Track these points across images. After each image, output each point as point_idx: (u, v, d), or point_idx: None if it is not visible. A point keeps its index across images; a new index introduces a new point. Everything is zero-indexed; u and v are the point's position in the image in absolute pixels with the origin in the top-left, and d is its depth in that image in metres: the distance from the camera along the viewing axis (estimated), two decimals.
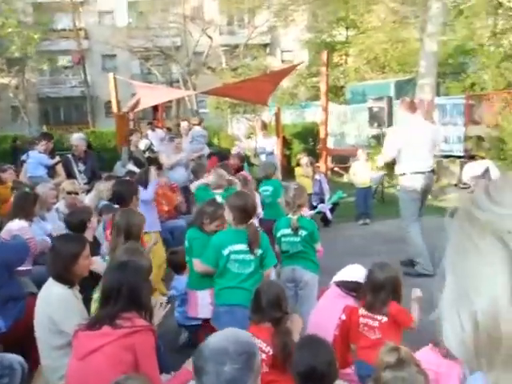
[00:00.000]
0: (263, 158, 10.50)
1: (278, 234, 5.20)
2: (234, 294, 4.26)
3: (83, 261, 3.82)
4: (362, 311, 3.90)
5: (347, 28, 27.07)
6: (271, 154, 10.59)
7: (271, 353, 3.42)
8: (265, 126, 11.39)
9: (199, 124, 12.08)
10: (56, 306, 3.64)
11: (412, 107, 7.38)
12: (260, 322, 3.55)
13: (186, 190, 8.72)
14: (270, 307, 3.54)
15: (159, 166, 7.89)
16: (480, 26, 19.59)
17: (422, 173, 7.30)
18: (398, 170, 7.57)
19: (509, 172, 10.12)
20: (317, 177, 9.60)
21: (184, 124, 11.67)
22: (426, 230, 9.34)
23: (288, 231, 5.11)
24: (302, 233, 5.07)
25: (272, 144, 10.71)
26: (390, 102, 13.25)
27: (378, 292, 3.82)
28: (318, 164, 9.96)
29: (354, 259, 4.80)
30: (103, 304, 3.24)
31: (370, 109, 13.27)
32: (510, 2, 18.08)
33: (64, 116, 40.51)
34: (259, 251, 4.33)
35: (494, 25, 19.23)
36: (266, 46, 31.52)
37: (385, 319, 3.79)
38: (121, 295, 3.17)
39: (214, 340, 2.09)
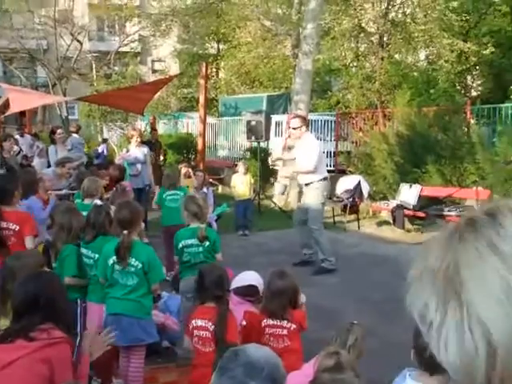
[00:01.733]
0: (138, 167, 10.32)
1: (180, 245, 5.20)
2: (121, 304, 4.28)
3: None
4: (266, 321, 3.94)
5: (219, 41, 27.51)
6: (144, 163, 10.45)
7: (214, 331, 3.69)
8: (141, 135, 11.24)
9: (77, 132, 11.72)
10: None
11: (306, 122, 8.12)
12: (205, 302, 3.84)
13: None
14: (213, 286, 3.81)
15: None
16: (345, 48, 20.74)
17: (326, 179, 8.18)
18: (306, 179, 8.07)
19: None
20: (204, 190, 9.66)
21: (60, 131, 11.21)
22: (297, 242, 9.79)
23: (191, 241, 5.13)
24: (206, 243, 5.12)
25: (145, 153, 10.55)
26: (268, 115, 13.66)
27: (278, 299, 3.90)
28: (200, 174, 9.98)
29: (235, 271, 4.88)
30: (16, 317, 3.12)
31: (248, 122, 13.58)
32: (372, 28, 19.31)
33: None
34: (137, 264, 4.28)
35: (357, 48, 20.40)
36: (137, 54, 31.05)
37: (294, 326, 3.92)
38: (36, 308, 3.05)
39: (255, 352, 2.04)
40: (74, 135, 11.28)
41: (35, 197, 6.22)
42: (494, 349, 0.75)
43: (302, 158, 8.08)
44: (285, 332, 3.91)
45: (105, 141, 18.95)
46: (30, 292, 3.12)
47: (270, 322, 3.93)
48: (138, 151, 10.32)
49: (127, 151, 10.64)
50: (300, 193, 8.32)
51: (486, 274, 0.78)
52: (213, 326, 3.70)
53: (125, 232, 4.32)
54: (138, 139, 10.51)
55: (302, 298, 4.14)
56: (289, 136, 8.50)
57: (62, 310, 3.18)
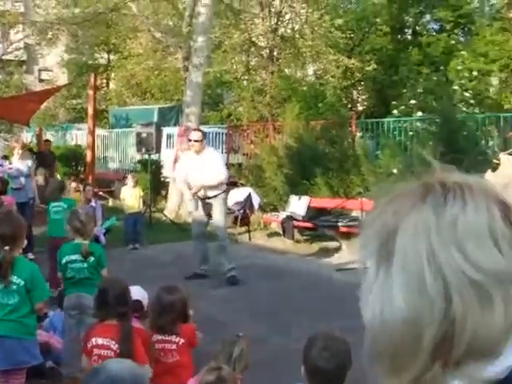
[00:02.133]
0: (22, 180, 9.92)
1: (63, 261, 5.03)
2: (2, 325, 4.09)
3: None
4: (156, 337, 3.89)
5: (109, 52, 27.01)
6: (28, 176, 10.06)
7: (119, 350, 3.47)
8: (23, 147, 10.85)
9: None
10: None
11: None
12: (106, 319, 3.61)
13: None
14: (115, 302, 3.58)
15: None
16: (236, 61, 21.02)
17: (226, 191, 8.53)
18: (213, 192, 8.14)
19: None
20: (93, 203, 9.42)
21: None
22: (189, 254, 9.78)
23: (75, 257, 4.97)
24: (90, 258, 4.98)
25: (28, 166, 10.17)
26: (159, 127, 13.54)
27: (167, 314, 3.85)
28: (89, 188, 9.74)
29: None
30: None
31: (138, 134, 13.39)
32: (261, 42, 19.71)
33: None
34: (19, 281, 4.09)
35: (248, 61, 20.73)
36: (22, 63, 29.84)
37: (182, 341, 3.90)
38: None
39: (116, 366, 2.02)
40: None
41: None
42: (396, 321, 0.79)
43: (210, 170, 8.05)
44: (174, 347, 3.87)
45: None
46: None
47: (159, 337, 3.87)
48: (20, 164, 9.92)
49: (10, 164, 10.20)
50: (206, 205, 8.18)
51: (414, 249, 0.79)
52: (117, 345, 3.53)
53: (6, 248, 4.11)
54: (20, 151, 10.13)
55: (190, 312, 4.12)
56: (189, 148, 8.36)
57: None
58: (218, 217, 8.30)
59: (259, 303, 7.32)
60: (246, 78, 21.25)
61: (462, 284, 0.77)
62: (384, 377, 0.84)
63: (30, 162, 10.31)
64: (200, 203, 8.15)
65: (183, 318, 3.92)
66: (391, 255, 0.81)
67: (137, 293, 4.21)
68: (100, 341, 3.61)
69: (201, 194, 8.06)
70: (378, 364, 0.84)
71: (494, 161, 6.02)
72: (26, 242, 6.77)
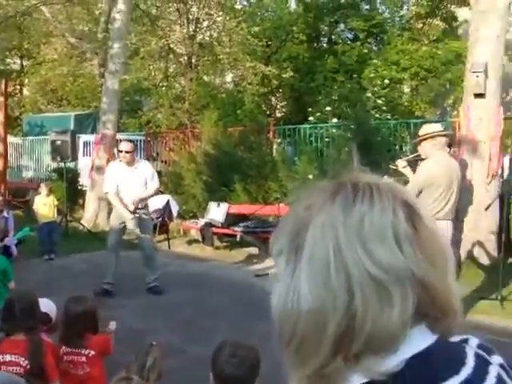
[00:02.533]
0: None
1: None
2: None
3: None
4: (65, 349, 3.78)
5: (22, 57, 26.16)
6: None
7: (29, 366, 3.30)
8: None
9: None
10: None
11: None
12: (13, 333, 3.43)
13: None
14: (23, 316, 3.41)
15: None
16: (154, 68, 20.86)
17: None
18: (142, 202, 8.06)
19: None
20: (5, 213, 9.08)
21: None
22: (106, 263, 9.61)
23: None
24: None
25: None
26: (74, 135, 13.22)
27: (74, 326, 3.75)
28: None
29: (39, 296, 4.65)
30: None
31: (53, 142, 13.03)
32: (181, 49, 19.66)
33: None
34: None
35: (167, 68, 20.61)
36: None
37: (92, 352, 3.82)
38: None
39: None
40: None
41: None
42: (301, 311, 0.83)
43: (143, 182, 7.92)
44: (83, 359, 3.78)
45: None
46: None
47: (68, 349, 3.76)
48: None
49: None
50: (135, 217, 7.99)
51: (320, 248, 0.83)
52: (26, 361, 3.36)
53: None
54: None
55: (112, 326, 4.04)
56: (120, 159, 8.07)
57: None
58: (146, 227, 8.18)
59: (177, 311, 7.27)
60: (165, 84, 21.13)
61: (363, 279, 0.81)
62: (291, 368, 0.87)
63: None
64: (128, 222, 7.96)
65: (93, 329, 3.84)
66: (301, 248, 0.85)
67: (45, 305, 4.10)
68: (8, 357, 3.43)
69: (132, 204, 7.84)
70: (286, 355, 0.87)
71: (391, 166, 6.24)
72: None
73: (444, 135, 6.30)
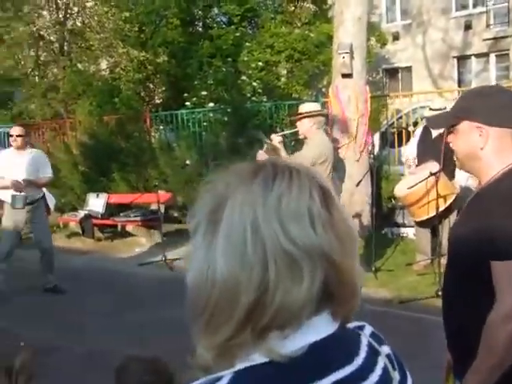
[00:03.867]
0: None
1: None
2: None
3: None
4: None
5: None
6: None
7: None
8: None
9: None
10: None
11: None
12: None
13: None
14: None
15: None
16: (24, 56, 19.90)
17: None
18: (37, 194, 7.71)
19: None
20: None
21: None
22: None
23: None
24: None
25: None
26: None
27: None
28: None
29: None
30: None
31: None
32: (51, 36, 18.88)
33: None
34: None
35: (37, 56, 19.74)
36: None
37: None
38: None
39: None
40: None
41: None
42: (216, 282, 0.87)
43: (34, 168, 7.49)
44: None
45: None
46: None
47: None
48: None
49: None
50: (28, 212, 7.44)
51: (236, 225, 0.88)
52: None
53: None
54: None
55: None
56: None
57: None
58: (44, 224, 7.83)
59: (57, 308, 7.08)
60: (37, 73, 20.23)
61: (278, 254, 0.85)
62: (200, 337, 0.90)
63: None
64: (20, 211, 7.34)
65: None
66: (218, 222, 0.88)
67: None
68: None
69: (14, 203, 7.27)
70: (196, 324, 0.91)
71: (265, 141, 6.35)
72: None
73: (322, 115, 6.56)
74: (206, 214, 0.92)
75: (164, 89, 19.48)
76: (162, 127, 13.46)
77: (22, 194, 7.27)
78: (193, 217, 0.95)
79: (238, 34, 17.44)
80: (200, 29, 20.12)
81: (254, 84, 14.07)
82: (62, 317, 6.66)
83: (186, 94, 14.48)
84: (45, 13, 18.75)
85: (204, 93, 13.63)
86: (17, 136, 7.46)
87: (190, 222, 0.95)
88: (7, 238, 7.54)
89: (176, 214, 11.10)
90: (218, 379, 0.87)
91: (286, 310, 0.86)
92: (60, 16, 18.37)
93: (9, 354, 3.45)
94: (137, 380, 2.40)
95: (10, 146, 12.05)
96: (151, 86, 19.60)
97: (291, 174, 0.91)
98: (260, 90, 13.84)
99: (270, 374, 0.86)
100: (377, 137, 11.58)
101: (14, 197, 7.26)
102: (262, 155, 5.99)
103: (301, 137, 6.56)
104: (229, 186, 0.92)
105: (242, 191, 0.90)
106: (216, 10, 19.48)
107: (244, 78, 14.40)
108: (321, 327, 0.90)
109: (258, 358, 0.88)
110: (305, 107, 6.57)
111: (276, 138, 6.31)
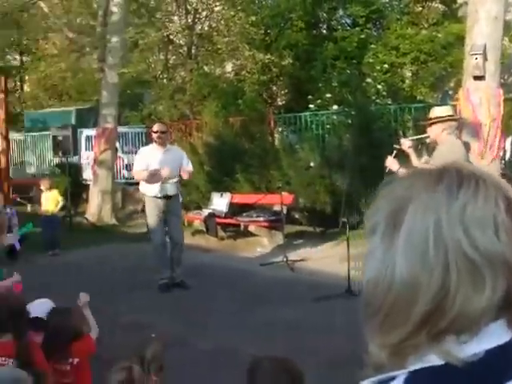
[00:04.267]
0: None
1: None
2: None
3: None
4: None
5: (22, 53, 26.15)
6: None
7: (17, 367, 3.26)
8: None
9: None
10: None
11: None
12: (1, 336, 3.42)
13: None
14: (9, 318, 3.42)
15: None
16: (154, 59, 20.80)
17: None
18: (174, 190, 7.92)
19: None
20: (8, 210, 9.13)
21: None
22: (110, 256, 9.73)
23: None
24: None
25: None
26: (75, 130, 13.27)
27: (56, 339, 3.71)
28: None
29: (41, 294, 4.43)
30: None
31: (55, 137, 13.09)
32: (180, 40, 19.60)
33: None
34: None
35: (167, 59, 20.55)
36: None
37: (76, 360, 3.74)
38: None
39: None
40: None
41: None
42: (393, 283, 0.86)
43: (176, 164, 7.73)
44: (67, 368, 3.72)
45: None
46: None
47: (51, 360, 3.68)
48: None
49: None
50: (167, 204, 7.77)
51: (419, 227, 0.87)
52: (14, 362, 3.31)
53: None
54: None
55: (83, 298, 4.06)
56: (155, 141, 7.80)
57: None
58: (179, 219, 8.19)
59: (183, 303, 7.31)
60: (165, 76, 21.07)
61: (459, 260, 0.84)
62: (374, 336, 0.91)
63: None
64: (161, 202, 7.71)
65: (74, 338, 3.75)
66: (399, 224, 0.88)
67: (40, 307, 4.05)
68: None
69: (163, 192, 7.64)
70: (369, 323, 0.91)
71: (395, 146, 6.18)
72: None
73: (454, 119, 6.29)
74: (386, 215, 0.91)
75: (286, 91, 19.64)
76: (284, 129, 13.56)
77: (167, 184, 7.59)
78: (370, 218, 0.94)
79: (362, 36, 17.21)
80: (324, 31, 20.08)
81: (379, 86, 13.86)
82: (188, 312, 6.87)
83: (309, 97, 14.49)
84: (175, 18, 19.51)
85: (328, 95, 13.59)
86: (161, 133, 7.72)
87: (367, 223, 0.94)
88: (156, 230, 7.88)
89: (297, 216, 11.14)
90: (393, 378, 0.87)
91: (465, 316, 0.85)
92: (189, 21, 19.03)
93: (142, 344, 3.60)
94: (270, 379, 2.43)
95: (143, 144, 12.64)
96: (274, 88, 19.82)
97: (477, 183, 0.90)
98: (384, 93, 13.62)
99: (448, 377, 0.85)
100: (509, 142, 11.04)
101: (162, 187, 7.58)
102: (392, 162, 5.84)
103: (429, 141, 6.35)
104: (409, 189, 0.91)
105: (426, 196, 0.89)
106: (341, 12, 19.36)
107: (368, 80, 14.21)
108: (497, 335, 0.87)
109: (434, 360, 0.86)
110: (436, 112, 6.32)
111: (406, 143, 6.12)
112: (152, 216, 7.82)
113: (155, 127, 7.95)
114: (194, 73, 18.83)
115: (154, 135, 7.79)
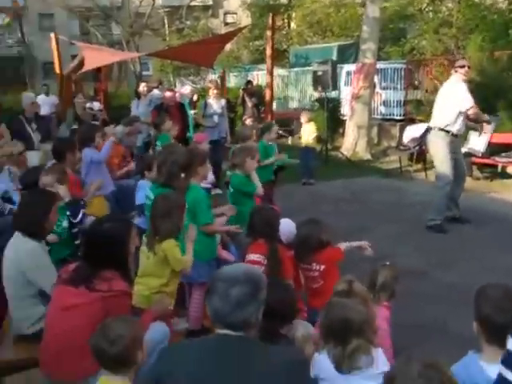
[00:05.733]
0: (215, 119, 10.36)
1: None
2: None
3: (53, 216, 3.97)
4: (300, 266, 4.25)
5: None
6: (222, 115, 10.49)
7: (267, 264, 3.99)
8: (217, 87, 11.25)
9: (157, 87, 12.03)
10: (28, 260, 3.70)
11: None
12: (256, 239, 4.14)
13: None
14: (262, 226, 4.12)
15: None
16: None
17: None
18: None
19: None
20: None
21: (143, 85, 11.46)
22: (364, 190, 9.95)
23: None
24: (231, 189, 5.47)
25: (222, 105, 10.58)
26: (335, 65, 13.53)
27: (303, 246, 4.19)
28: None
29: (299, 217, 4.75)
30: (84, 258, 3.26)
31: (315, 72, 13.53)
32: None
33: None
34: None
35: None
36: (208, 7, 31.08)
37: (323, 267, 4.12)
38: (101, 252, 3.16)
39: (229, 268, 2.35)
40: (155, 90, 11.51)
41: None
42: None
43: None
44: (316, 274, 4.16)
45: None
46: (97, 235, 3.26)
47: (302, 265, 4.25)
48: (215, 103, 10.40)
49: (205, 104, 10.62)
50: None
51: None
52: (266, 260, 4.00)
53: (182, 175, 4.60)
54: (215, 91, 10.59)
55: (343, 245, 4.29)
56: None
57: (125, 258, 3.27)
58: (462, 156, 8.15)
59: (427, 237, 7.31)
60: (431, 9, 20.22)
61: None
62: None
63: (223, 102, 10.75)
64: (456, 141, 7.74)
65: (321, 246, 4.12)
66: None
67: (285, 225, 4.53)
68: (251, 256, 4.07)
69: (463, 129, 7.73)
70: None
71: None
72: (213, 177, 7.33)
73: None
74: None
75: None
76: None
77: None
78: None
79: None
80: None
81: None
82: (436, 251, 6.83)
83: None
84: None
85: None
86: (468, 67, 7.66)
87: None
88: (447, 170, 7.68)
89: None
90: None
91: None
92: None
93: (375, 271, 3.73)
94: (492, 304, 2.46)
95: (401, 80, 12.42)
96: None
97: None
98: None
99: None
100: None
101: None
102: None
103: None
104: None
105: None
106: None
107: None
108: None
109: None
110: None
111: None
112: (446, 155, 7.65)
113: (463, 62, 7.85)
114: (461, 4, 17.74)
115: (462, 70, 7.57)
